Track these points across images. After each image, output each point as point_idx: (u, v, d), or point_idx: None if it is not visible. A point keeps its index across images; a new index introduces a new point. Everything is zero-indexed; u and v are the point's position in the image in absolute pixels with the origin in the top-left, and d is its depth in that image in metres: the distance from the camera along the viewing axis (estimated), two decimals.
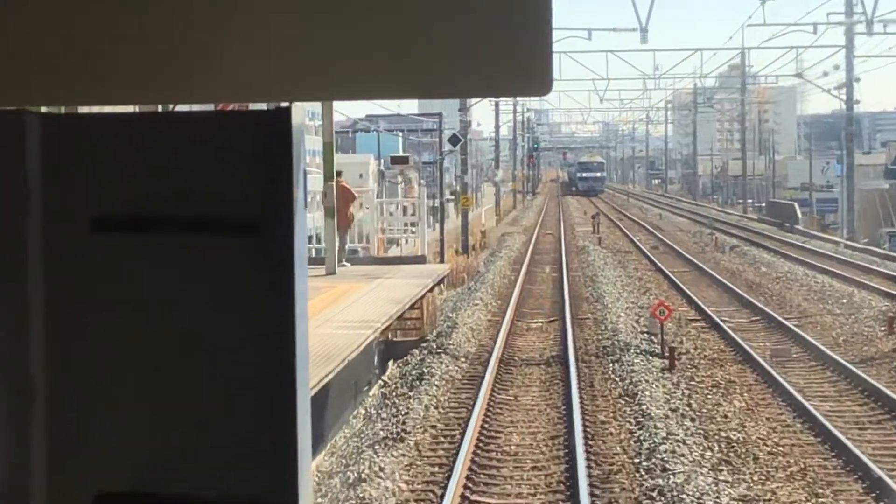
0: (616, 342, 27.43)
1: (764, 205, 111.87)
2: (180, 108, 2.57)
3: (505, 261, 52.26)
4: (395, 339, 28.97)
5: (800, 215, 73.00)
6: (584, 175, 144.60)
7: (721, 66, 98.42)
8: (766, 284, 41.08)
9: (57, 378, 1.81)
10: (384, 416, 20.27)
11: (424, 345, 28.87)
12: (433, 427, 19.56)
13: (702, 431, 18.73)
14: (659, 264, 48.53)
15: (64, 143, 1.79)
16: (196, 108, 2.25)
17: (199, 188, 1.77)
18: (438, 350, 26.74)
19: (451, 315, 33.80)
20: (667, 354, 25.27)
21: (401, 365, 27.41)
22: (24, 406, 1.82)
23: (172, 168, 1.77)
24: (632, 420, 19.49)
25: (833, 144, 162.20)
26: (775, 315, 32.33)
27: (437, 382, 23.10)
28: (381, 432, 18.96)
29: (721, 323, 31.04)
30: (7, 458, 1.82)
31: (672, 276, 43.50)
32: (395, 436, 18.58)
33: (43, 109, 1.83)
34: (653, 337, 28.30)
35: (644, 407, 20.10)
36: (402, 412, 20.33)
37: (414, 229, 37.22)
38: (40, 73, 1.79)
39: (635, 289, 40.28)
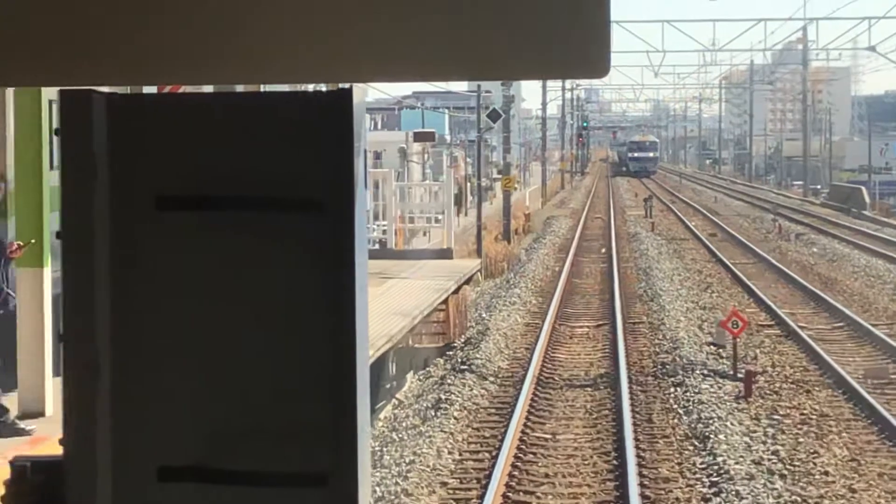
0: (677, 357, 22.84)
1: (823, 188, 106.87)
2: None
3: (549, 248, 47.65)
4: (416, 344, 24.63)
5: (867, 200, 67.94)
6: (636, 155, 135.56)
7: (785, 40, 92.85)
8: (844, 281, 36.30)
9: (123, 353, 1.86)
10: (386, 459, 15.85)
11: (451, 353, 24.43)
12: (443, 484, 15.06)
13: (797, 499, 14.14)
14: (719, 254, 43.82)
15: (130, 123, 1.84)
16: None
17: (263, 168, 1.81)
18: (463, 366, 22.21)
19: (484, 316, 29.31)
20: (740, 375, 20.69)
21: (422, 378, 22.97)
22: (90, 380, 1.86)
23: (236, 148, 1.82)
24: (704, 478, 14.92)
25: (890, 126, 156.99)
26: (861, 321, 27.63)
27: (456, 413, 18.59)
28: (378, 489, 14.51)
29: (798, 330, 26.40)
30: (75, 430, 1.87)
31: (734, 269, 38.82)
32: (391, 501, 14.11)
33: (109, 90, 1.86)
34: (720, 349, 23.71)
35: (719, 458, 15.53)
36: (408, 458, 15.86)
37: (440, 216, 32.49)
38: (106, 54, 1.80)
39: (695, 284, 35.62)
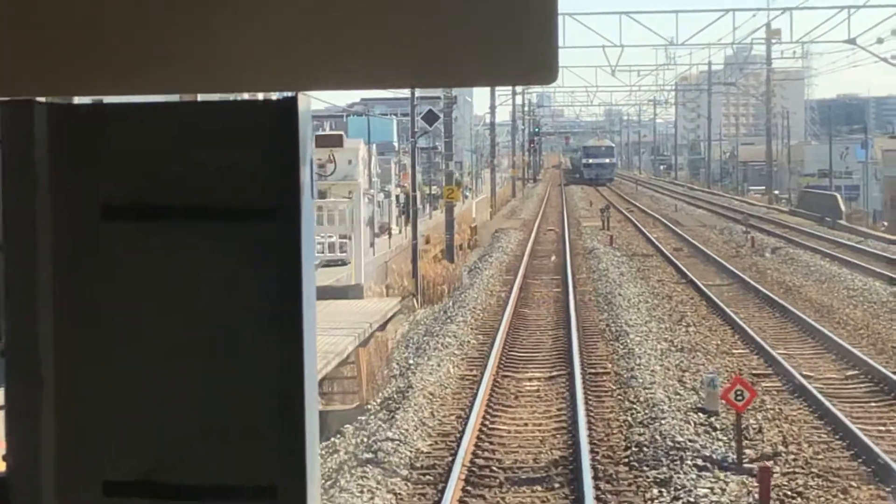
0: (657, 433, 17.06)
1: (782, 193, 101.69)
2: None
3: (495, 268, 41.90)
4: (322, 406, 18.94)
5: (843, 208, 62.46)
6: (592, 161, 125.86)
7: (753, 32, 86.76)
8: (841, 309, 30.68)
9: (66, 365, 1.84)
10: None
11: (360, 422, 18.73)
12: None
13: None
14: (689, 274, 38.22)
15: (74, 133, 1.83)
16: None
17: (209, 176, 1.80)
18: (368, 453, 16.35)
19: (411, 363, 23.56)
20: (748, 465, 15.00)
21: (323, 454, 17.15)
22: (33, 393, 1.85)
23: (181, 156, 1.81)
24: None
25: (844, 129, 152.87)
26: (880, 367, 22.00)
27: None
28: None
29: (805, 382, 20.77)
30: (17, 444, 1.86)
31: (709, 293, 33.24)
32: None
33: (51, 100, 1.87)
34: (712, 417, 18.01)
35: None
36: None
37: (346, 242, 26.66)
38: (49, 63, 1.81)
39: (665, 314, 29.95)
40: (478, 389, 20.49)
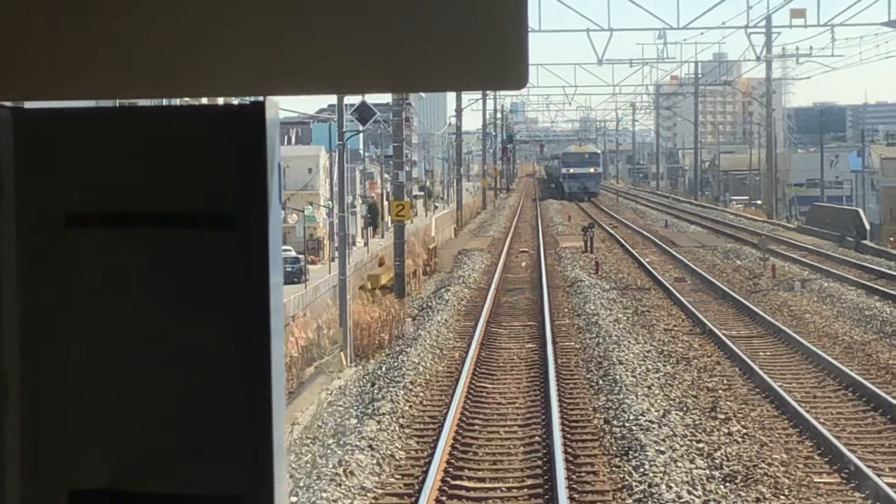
0: None
1: (789, 207, 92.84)
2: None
3: (451, 311, 32.49)
4: None
5: (867, 226, 53.17)
6: (573, 171, 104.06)
7: (759, 20, 76.46)
8: None
9: (30, 374, 1.83)
10: None
11: None
12: None
13: None
14: (703, 319, 28.97)
15: (37, 139, 1.82)
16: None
17: (174, 183, 1.79)
18: None
19: (315, 470, 14.38)
20: None
21: None
22: None
23: (147, 163, 1.80)
24: None
25: (827, 137, 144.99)
26: None
27: None
28: None
29: None
30: None
31: (740, 353, 24.03)
32: None
33: (16, 104, 1.86)
34: None
35: None
36: None
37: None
38: (11, 68, 1.80)
39: (690, 395, 20.64)
40: None
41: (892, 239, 56.86)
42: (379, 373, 23.64)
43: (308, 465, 16.20)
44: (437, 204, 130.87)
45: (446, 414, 19.02)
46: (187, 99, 1.93)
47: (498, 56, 1.74)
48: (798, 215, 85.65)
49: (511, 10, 1.74)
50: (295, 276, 61.97)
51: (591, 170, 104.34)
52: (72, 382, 1.82)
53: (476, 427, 18.67)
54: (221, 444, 1.77)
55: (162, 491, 1.78)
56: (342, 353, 29.09)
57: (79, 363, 1.81)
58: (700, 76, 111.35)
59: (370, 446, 16.90)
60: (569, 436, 17.59)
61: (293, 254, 70.75)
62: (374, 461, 16.41)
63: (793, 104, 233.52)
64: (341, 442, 17.21)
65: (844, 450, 16.39)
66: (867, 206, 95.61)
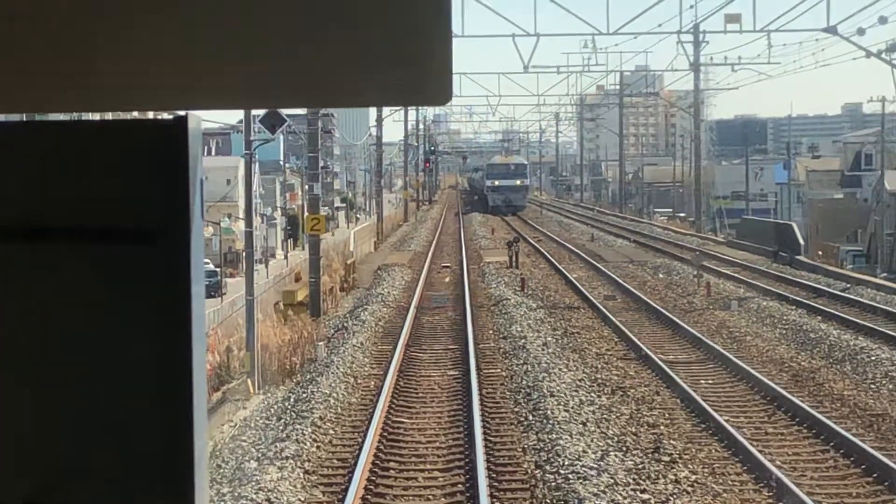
0: None
1: (715, 220, 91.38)
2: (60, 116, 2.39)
3: (368, 332, 30.30)
4: None
5: (801, 240, 51.50)
6: (499, 183, 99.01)
7: (703, 19, 73.83)
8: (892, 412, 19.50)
9: None
10: None
11: None
12: None
13: None
14: (639, 343, 26.99)
15: None
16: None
17: (94, 197, 1.78)
18: None
19: None
20: None
21: None
22: None
23: (68, 177, 1.78)
24: None
25: (749, 149, 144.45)
26: None
27: None
28: None
29: None
30: None
31: (679, 381, 22.05)
32: None
33: None
34: None
35: None
36: None
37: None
38: None
39: (629, 432, 18.58)
40: None
41: (819, 253, 55.43)
42: (286, 405, 21.43)
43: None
44: (358, 216, 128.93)
45: (358, 456, 16.86)
46: (109, 114, 1.92)
47: (421, 72, 1.73)
48: (725, 228, 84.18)
49: (435, 26, 1.72)
50: (212, 289, 59.46)
51: (518, 182, 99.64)
52: None
53: (391, 472, 16.50)
54: (141, 457, 1.75)
55: (81, 503, 1.77)
56: (249, 381, 26.88)
57: None
58: (625, 86, 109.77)
59: (268, 500, 14.66)
60: (496, 484, 15.47)
61: (211, 267, 68.22)
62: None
63: (714, 116, 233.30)
64: (236, 493, 14.98)
65: (810, 501, 14.38)
66: (793, 219, 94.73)
